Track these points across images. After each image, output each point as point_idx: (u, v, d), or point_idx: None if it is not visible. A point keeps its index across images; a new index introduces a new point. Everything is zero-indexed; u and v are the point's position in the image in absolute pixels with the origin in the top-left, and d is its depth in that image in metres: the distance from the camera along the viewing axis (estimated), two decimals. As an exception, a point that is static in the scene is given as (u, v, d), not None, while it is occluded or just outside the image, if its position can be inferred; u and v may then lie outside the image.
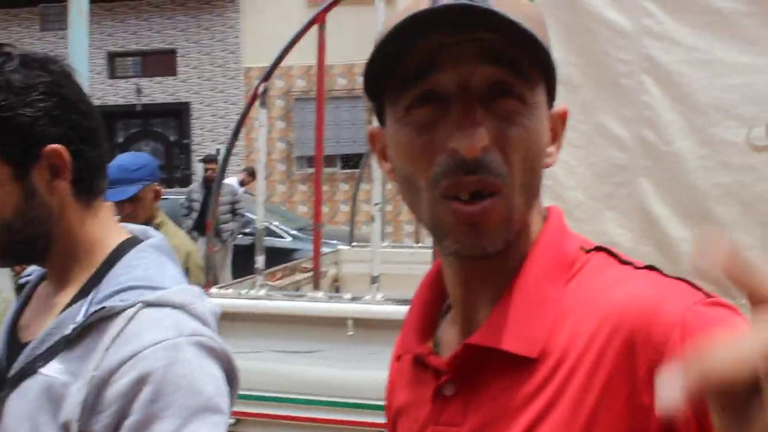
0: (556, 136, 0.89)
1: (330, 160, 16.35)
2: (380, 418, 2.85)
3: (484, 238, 0.80)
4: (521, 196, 0.82)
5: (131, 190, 3.25)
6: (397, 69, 0.81)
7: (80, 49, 7.48)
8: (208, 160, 10.35)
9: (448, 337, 0.92)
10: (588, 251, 0.88)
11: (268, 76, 3.18)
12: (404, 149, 0.83)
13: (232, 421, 3.04)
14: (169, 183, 15.78)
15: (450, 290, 0.93)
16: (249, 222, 9.33)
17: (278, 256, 7.14)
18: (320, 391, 2.97)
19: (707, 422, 0.71)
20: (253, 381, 3.05)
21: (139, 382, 1.11)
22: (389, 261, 4.92)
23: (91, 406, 1.13)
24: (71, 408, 1.13)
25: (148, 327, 1.15)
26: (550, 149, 0.87)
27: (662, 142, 2.65)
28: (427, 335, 0.94)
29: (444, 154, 0.80)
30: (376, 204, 3.05)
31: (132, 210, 3.27)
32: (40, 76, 1.19)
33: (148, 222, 3.34)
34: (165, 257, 1.31)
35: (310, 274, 3.97)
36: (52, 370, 1.18)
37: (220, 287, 3.34)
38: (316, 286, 3.27)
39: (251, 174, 11.67)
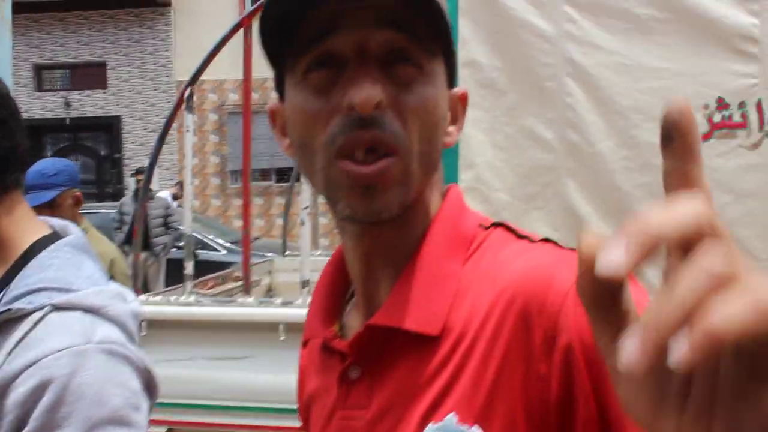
0: (456, 117, 0.89)
1: (265, 174, 16.26)
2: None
3: (378, 201, 0.79)
4: (418, 164, 0.80)
5: (48, 195, 3.16)
6: (295, 35, 0.81)
7: (4, 59, 7.30)
8: (140, 172, 10.17)
9: (353, 320, 0.92)
10: (486, 228, 0.89)
11: (193, 80, 3.16)
12: (301, 113, 0.82)
13: (163, 430, 3.00)
14: (100, 198, 15.47)
15: (351, 269, 0.92)
16: (182, 235, 9.17)
17: (213, 269, 7.04)
18: (253, 397, 2.94)
19: (605, 393, 0.73)
20: (185, 389, 3.01)
21: (39, 390, 1.06)
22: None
23: None
24: None
25: (54, 332, 1.11)
26: (450, 129, 0.87)
27: (586, 144, 2.72)
28: (332, 319, 0.93)
29: (340, 114, 0.79)
30: (305, 207, 3.05)
31: (50, 215, 3.20)
32: None
33: None
34: (83, 255, 1.27)
35: (242, 282, 3.94)
36: None
37: (149, 294, 3.29)
38: (247, 291, 3.24)
39: (182, 187, 11.55)
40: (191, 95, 3.09)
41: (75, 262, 1.23)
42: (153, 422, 3.16)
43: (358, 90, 0.77)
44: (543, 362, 0.74)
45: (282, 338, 2.90)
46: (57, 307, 1.13)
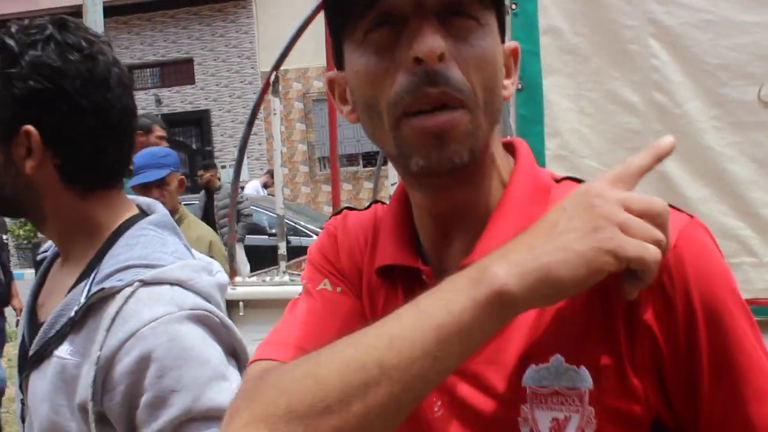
0: (509, 71, 0.89)
1: (352, 159, 16.39)
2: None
3: (449, 148, 0.80)
4: (484, 115, 0.82)
5: (161, 173, 3.39)
6: (353, 2, 0.82)
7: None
8: (205, 167, 10.36)
9: (434, 259, 0.92)
10: (558, 180, 0.91)
11: (278, 65, 3.21)
12: (364, 74, 0.83)
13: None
14: (192, 190, 15.86)
15: (419, 223, 0.92)
16: (254, 223, 9.28)
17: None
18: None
19: (696, 345, 0.76)
20: (282, 366, 3.09)
21: (143, 360, 1.13)
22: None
23: (101, 385, 1.15)
24: (84, 389, 1.16)
25: (145, 304, 1.16)
26: (506, 82, 0.88)
27: (673, 105, 2.66)
28: (415, 252, 0.93)
29: (405, 73, 0.80)
30: (393, 184, 3.07)
31: (159, 195, 3.37)
32: (50, 60, 1.20)
33: (172, 213, 3.42)
34: (166, 232, 1.32)
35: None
36: (64, 351, 1.21)
37: (245, 276, 3.38)
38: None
39: (272, 175, 11.78)
40: (277, 79, 3.15)
41: (159, 240, 1.28)
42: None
43: (422, 41, 0.77)
44: (643, 310, 0.77)
45: (375, 313, 2.94)
46: (145, 283, 1.18)
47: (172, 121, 17.24)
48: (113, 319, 1.15)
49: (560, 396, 0.78)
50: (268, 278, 3.32)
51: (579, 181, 0.89)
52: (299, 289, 3.25)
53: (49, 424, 1.21)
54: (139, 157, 3.43)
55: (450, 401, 0.85)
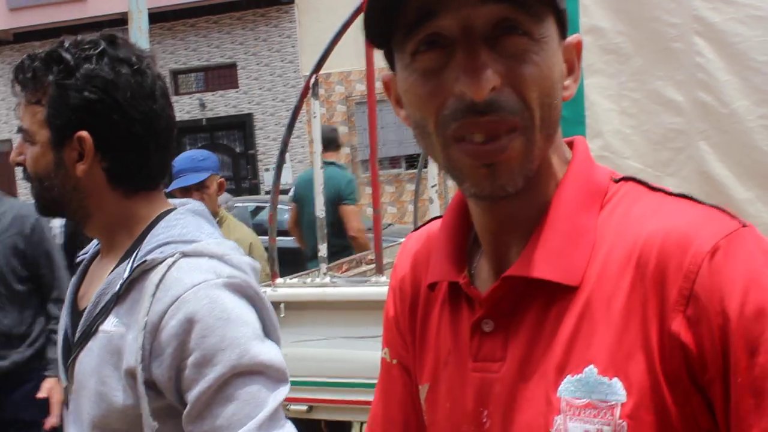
0: (572, 68, 0.87)
1: (395, 162, 16.40)
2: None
3: (502, 178, 0.79)
4: (541, 132, 0.80)
5: (199, 177, 3.43)
6: (399, 14, 0.80)
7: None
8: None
9: (482, 271, 0.92)
10: (617, 181, 0.88)
11: (317, 68, 3.22)
12: (412, 95, 0.82)
13: (304, 408, 3.10)
14: (237, 192, 16.04)
15: (477, 228, 0.92)
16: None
17: (348, 256, 7.15)
18: (389, 374, 2.99)
19: (733, 356, 0.72)
20: (323, 368, 3.09)
21: (188, 323, 1.21)
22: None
23: (149, 350, 1.23)
24: (132, 355, 1.23)
25: (186, 272, 1.25)
26: (567, 82, 0.85)
27: (719, 104, 2.61)
28: (463, 265, 0.93)
29: (453, 98, 0.78)
30: (433, 186, 3.06)
31: (199, 198, 3.39)
32: (103, 73, 1.30)
33: (215, 215, 3.47)
34: (202, 219, 1.41)
35: (375, 264, 4.00)
36: (109, 325, 1.30)
37: (286, 277, 3.39)
38: (380, 271, 3.29)
39: None
40: (316, 82, 3.16)
41: (196, 223, 1.38)
42: (293, 400, 3.28)
43: (470, 79, 0.76)
44: (674, 320, 0.74)
45: (415, 316, 2.93)
46: (185, 254, 1.28)
47: (216, 125, 17.44)
48: (157, 287, 1.25)
49: (593, 408, 0.76)
50: (309, 280, 3.33)
51: (639, 182, 0.87)
52: (340, 291, 3.24)
53: (97, 396, 1.29)
54: (178, 161, 3.48)
55: (494, 411, 0.85)
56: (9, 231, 2.97)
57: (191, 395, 1.22)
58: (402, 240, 5.05)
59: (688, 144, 2.67)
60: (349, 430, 3.66)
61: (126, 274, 1.30)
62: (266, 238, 3.39)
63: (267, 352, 1.25)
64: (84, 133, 1.31)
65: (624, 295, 0.78)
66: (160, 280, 1.25)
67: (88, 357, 1.32)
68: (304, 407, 3.14)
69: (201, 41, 17.38)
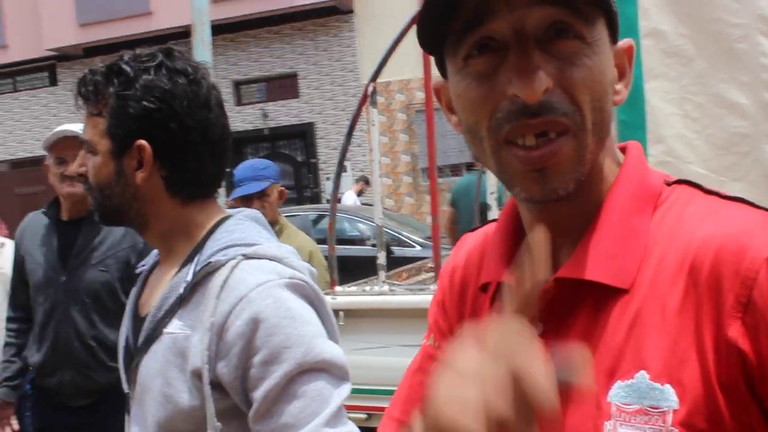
0: (623, 72, 0.86)
1: (455, 169, 16.35)
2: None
3: (552, 182, 0.80)
4: (592, 135, 0.80)
5: (261, 185, 3.47)
6: (452, 19, 0.80)
7: (209, 78, 8.03)
8: (364, 180, 10.53)
9: None
10: (670, 184, 0.87)
11: (375, 76, 3.24)
12: (465, 99, 0.82)
13: (363, 416, 3.10)
14: (298, 201, 16.19)
15: (528, 231, 0.92)
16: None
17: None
18: (448, 382, 2.97)
19: None
20: (382, 376, 3.09)
21: (253, 322, 1.24)
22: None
23: (215, 350, 1.25)
24: (198, 356, 1.26)
25: (250, 273, 1.28)
26: (618, 86, 0.85)
27: (787, 106, 2.54)
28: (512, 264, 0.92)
29: (506, 100, 0.78)
30: (492, 193, 3.04)
31: (260, 206, 3.45)
32: (161, 83, 1.34)
33: (272, 224, 3.49)
34: (259, 226, 1.45)
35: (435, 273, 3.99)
36: (174, 327, 1.32)
37: (345, 286, 3.40)
38: (438, 278, 3.29)
39: (366, 181, 11.98)
40: (374, 91, 3.18)
41: (254, 228, 1.42)
42: (352, 408, 3.29)
43: (523, 81, 0.76)
44: (731, 327, 0.72)
45: (474, 324, 2.91)
46: (247, 256, 1.31)
47: (278, 134, 17.64)
48: (221, 288, 1.27)
49: (644, 415, 0.75)
50: (367, 288, 3.34)
51: (693, 185, 0.86)
52: (398, 299, 3.26)
53: (163, 397, 1.32)
54: (239, 170, 3.52)
55: None
56: (122, 244, 2.92)
57: (258, 393, 1.25)
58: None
59: (753, 147, 2.60)
60: (409, 439, 3.66)
61: (189, 277, 1.34)
62: (326, 246, 3.41)
63: (330, 350, 1.28)
64: (143, 142, 1.35)
65: (677, 300, 0.76)
66: (224, 282, 1.28)
67: (153, 360, 1.35)
68: (363, 415, 3.15)
69: (262, 52, 17.60)
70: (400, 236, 10.20)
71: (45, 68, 20.08)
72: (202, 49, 7.22)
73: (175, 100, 1.35)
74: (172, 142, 1.37)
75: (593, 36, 0.79)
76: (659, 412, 0.74)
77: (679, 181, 0.87)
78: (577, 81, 0.78)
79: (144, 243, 2.82)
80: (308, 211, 11.21)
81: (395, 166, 16.57)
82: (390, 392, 3.20)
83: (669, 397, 0.74)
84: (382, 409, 3.09)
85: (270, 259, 1.32)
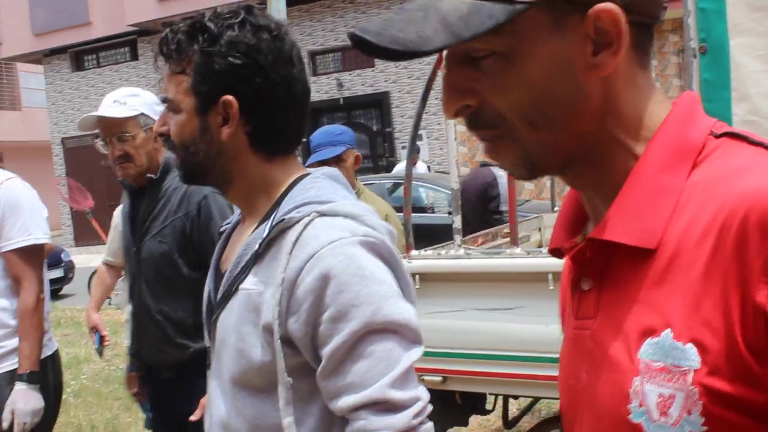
0: (606, 41, 0.79)
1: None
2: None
3: (511, 170, 0.88)
4: (538, 131, 0.82)
5: (336, 150, 3.49)
6: None
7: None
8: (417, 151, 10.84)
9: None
10: (718, 136, 0.83)
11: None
12: None
13: (439, 378, 3.12)
14: (374, 170, 16.24)
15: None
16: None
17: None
18: (523, 346, 2.97)
19: None
20: (457, 339, 3.11)
21: (323, 278, 1.24)
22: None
23: (286, 306, 1.27)
24: (269, 311, 1.28)
25: (323, 230, 1.29)
26: (597, 59, 0.79)
27: None
28: (575, 232, 0.94)
29: None
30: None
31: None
32: (246, 39, 1.36)
33: (353, 188, 3.52)
34: (337, 184, 1.44)
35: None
36: (249, 283, 1.35)
37: (421, 250, 3.41)
38: (514, 242, 3.26)
39: (418, 151, 12.38)
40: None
41: (332, 186, 1.42)
42: (428, 371, 3.31)
43: (443, 104, 0.85)
44: (760, 292, 0.70)
45: (551, 288, 2.89)
46: (321, 214, 1.32)
47: (353, 104, 17.70)
48: (294, 245, 1.29)
49: (667, 373, 0.74)
50: (443, 252, 3.35)
51: (740, 135, 0.82)
52: (474, 263, 3.25)
53: (237, 352, 1.34)
54: (316, 135, 3.55)
55: (588, 367, 0.85)
56: (178, 212, 2.79)
57: (326, 351, 1.26)
58: (537, 215, 5.00)
59: None
60: (484, 402, 3.67)
61: (265, 234, 1.35)
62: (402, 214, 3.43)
63: (402, 311, 1.27)
64: (230, 97, 1.36)
65: (704, 260, 0.74)
66: (297, 238, 1.29)
67: (229, 315, 1.38)
68: (439, 378, 3.17)
69: (338, 21, 17.64)
70: (476, 204, 10.16)
71: (127, 44, 20.57)
72: (278, 17, 7.35)
73: (260, 54, 1.36)
74: (257, 97, 1.37)
75: (507, 45, 0.79)
76: (681, 371, 0.74)
77: (729, 133, 0.83)
78: (495, 95, 0.81)
79: (197, 212, 2.75)
80: (383, 180, 11.26)
81: (470, 134, 16.47)
82: (465, 355, 3.22)
83: (690, 356, 0.73)
84: (457, 372, 3.12)
85: (345, 217, 1.32)
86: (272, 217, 1.38)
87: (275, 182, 1.44)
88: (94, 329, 3.76)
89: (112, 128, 2.81)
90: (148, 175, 2.86)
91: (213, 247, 2.72)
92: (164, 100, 1.46)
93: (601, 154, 0.85)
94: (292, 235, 1.31)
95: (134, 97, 2.88)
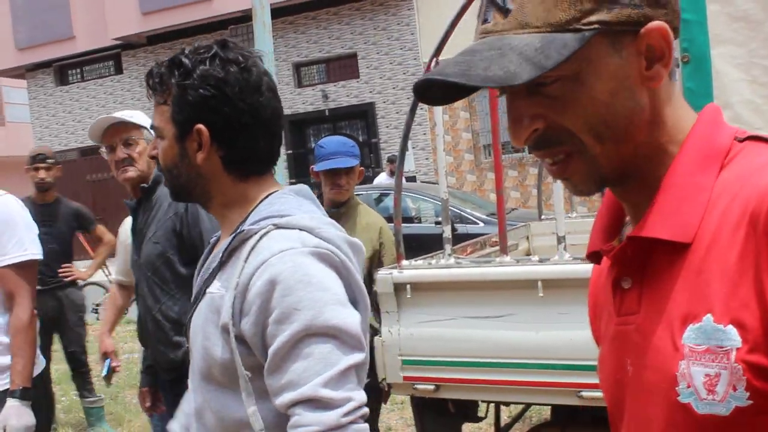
0: (657, 55, 0.89)
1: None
2: (576, 378, 2.86)
3: (577, 187, 0.94)
4: (604, 144, 0.89)
5: (352, 161, 3.59)
6: None
7: (267, 61, 7.85)
8: (391, 161, 10.77)
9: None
10: (742, 140, 0.92)
11: (437, 52, 3.25)
12: None
13: (431, 387, 3.15)
14: (360, 181, 16.27)
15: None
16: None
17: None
18: (515, 354, 2.99)
19: None
20: (450, 348, 3.13)
21: (271, 283, 1.38)
22: (581, 231, 4.85)
23: (239, 308, 1.41)
24: (227, 312, 1.42)
25: (276, 241, 1.43)
26: (651, 72, 0.89)
27: None
28: (612, 235, 1.03)
29: None
30: (556, 165, 3.04)
31: (346, 182, 3.55)
32: (215, 72, 1.51)
33: (348, 200, 3.62)
34: (304, 199, 1.58)
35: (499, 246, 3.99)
36: (214, 288, 1.51)
37: (411, 260, 3.44)
38: (503, 251, 3.30)
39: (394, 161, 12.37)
40: (437, 65, 3.18)
41: (296, 202, 1.55)
42: (420, 379, 3.32)
43: (510, 131, 0.91)
44: None
45: (541, 295, 2.92)
46: (278, 226, 1.46)
47: (339, 115, 17.74)
48: (249, 253, 1.44)
49: (711, 354, 0.82)
50: (433, 261, 3.37)
51: (763, 138, 0.91)
52: (465, 272, 3.25)
53: (203, 350, 1.49)
54: (329, 143, 3.59)
55: (634, 359, 0.93)
56: (168, 213, 2.99)
57: (270, 350, 1.38)
58: (525, 224, 5.00)
59: (825, 112, 2.54)
60: (476, 409, 3.69)
61: (226, 244, 1.51)
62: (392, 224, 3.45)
63: (343, 318, 1.39)
64: (201, 126, 1.51)
65: (738, 248, 0.82)
66: (253, 247, 1.44)
67: (198, 316, 1.53)
68: (431, 386, 3.19)
69: (322, 33, 17.71)
70: (462, 213, 10.21)
71: (110, 57, 20.55)
72: (263, 32, 7.27)
73: (227, 86, 1.50)
74: (227, 124, 1.52)
75: (574, 69, 0.87)
76: (724, 351, 0.81)
77: (752, 137, 0.92)
78: (563, 115, 0.89)
79: (185, 209, 2.93)
80: (370, 190, 11.29)
81: (456, 144, 16.54)
82: (457, 363, 3.24)
83: (732, 336, 0.81)
84: (449, 380, 3.14)
85: (300, 229, 1.45)
86: (237, 231, 1.52)
87: (249, 199, 1.58)
88: (106, 355, 3.77)
89: (121, 133, 3.08)
90: (142, 184, 3.07)
91: (201, 241, 2.85)
92: (152, 128, 1.62)
93: (650, 161, 0.93)
94: (249, 244, 1.45)
95: (140, 116, 3.17)
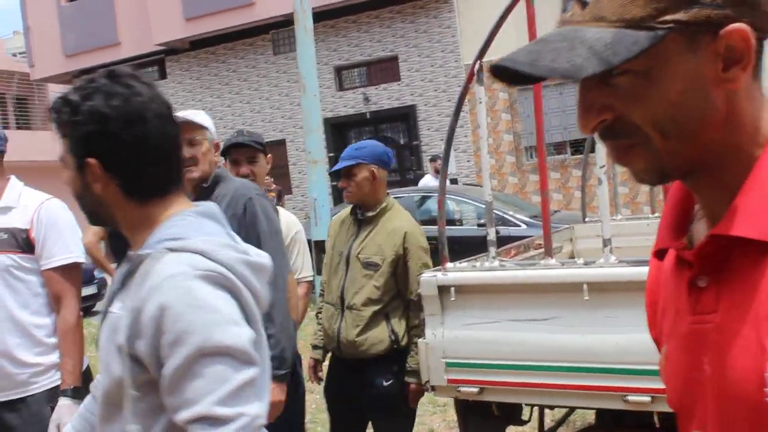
0: (737, 57, 0.87)
1: (560, 148, 16.13)
2: (622, 382, 2.83)
3: (638, 176, 0.94)
4: (669, 140, 0.89)
5: (344, 163, 3.51)
6: None
7: (309, 65, 7.87)
8: (433, 159, 10.83)
9: (699, 233, 0.98)
10: None
11: (482, 53, 3.24)
12: None
13: (475, 390, 3.14)
14: (401, 184, 16.29)
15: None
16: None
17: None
18: (560, 357, 2.97)
19: None
20: (493, 351, 3.12)
21: (161, 309, 1.43)
22: (625, 233, 4.81)
23: (134, 330, 1.46)
24: (122, 333, 1.48)
25: (167, 265, 1.48)
26: (728, 73, 0.88)
27: None
28: (681, 232, 1.01)
29: None
30: (602, 167, 3.02)
31: (346, 185, 3.51)
32: (98, 107, 1.56)
33: (376, 204, 3.54)
34: (206, 220, 1.62)
35: (544, 248, 3.97)
36: (114, 308, 1.58)
37: (456, 263, 3.43)
38: (548, 254, 3.27)
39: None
40: (481, 68, 3.18)
41: (196, 224, 1.59)
42: (465, 382, 3.31)
43: (578, 120, 0.92)
44: None
45: (586, 298, 2.90)
46: (171, 249, 1.50)
47: (380, 117, 17.78)
48: (143, 277, 1.49)
49: None
50: (477, 264, 3.37)
51: None
52: (509, 275, 3.24)
53: (105, 366, 1.57)
54: (347, 148, 3.63)
55: (713, 357, 0.91)
56: (226, 214, 2.90)
57: (164, 371, 1.43)
58: (569, 226, 4.96)
59: None
60: (520, 413, 3.67)
61: (125, 267, 1.58)
62: (431, 227, 3.44)
63: (233, 337, 1.44)
64: (90, 160, 1.58)
65: None
66: (146, 272, 1.49)
67: (103, 335, 1.61)
68: (475, 389, 3.18)
69: (363, 36, 17.76)
70: (505, 215, 10.16)
71: (155, 62, 20.84)
72: (305, 36, 7.32)
73: (110, 121, 1.55)
74: (114, 156, 1.57)
75: (652, 60, 0.86)
76: None
77: None
78: (632, 109, 0.89)
79: (243, 211, 2.93)
80: (412, 193, 11.29)
81: (498, 146, 16.47)
82: (501, 366, 3.22)
83: None
84: (493, 383, 3.13)
85: (192, 252, 1.49)
86: (136, 254, 1.57)
87: (154, 220, 1.62)
88: None
89: (185, 132, 3.00)
90: (202, 184, 3.05)
91: (259, 243, 2.84)
92: (60, 160, 1.69)
93: (723, 160, 0.92)
94: (143, 268, 1.51)
95: (203, 116, 3.15)
